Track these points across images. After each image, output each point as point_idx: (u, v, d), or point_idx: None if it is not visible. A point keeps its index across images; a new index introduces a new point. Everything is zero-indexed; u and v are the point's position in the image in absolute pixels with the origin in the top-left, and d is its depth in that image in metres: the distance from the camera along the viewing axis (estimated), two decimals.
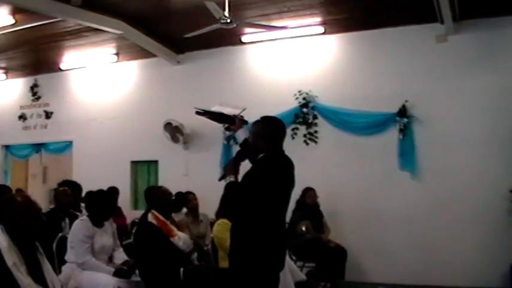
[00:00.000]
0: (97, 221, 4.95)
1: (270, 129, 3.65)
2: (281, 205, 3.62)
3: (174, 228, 5.27)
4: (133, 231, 5.64)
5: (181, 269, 4.93)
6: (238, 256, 3.51)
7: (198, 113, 3.92)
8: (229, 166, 3.70)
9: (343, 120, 8.27)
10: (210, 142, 9.17)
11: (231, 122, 3.85)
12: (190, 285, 4.93)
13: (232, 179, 3.60)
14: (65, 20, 7.99)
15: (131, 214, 8.90)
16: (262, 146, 3.58)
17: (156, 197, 5.39)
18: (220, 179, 3.74)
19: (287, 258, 4.93)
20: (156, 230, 5.03)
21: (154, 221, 5.07)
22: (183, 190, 7.62)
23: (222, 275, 5.05)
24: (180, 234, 5.26)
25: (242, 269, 3.47)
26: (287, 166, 3.60)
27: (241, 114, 3.87)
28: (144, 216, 5.40)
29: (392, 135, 7.92)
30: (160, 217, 5.11)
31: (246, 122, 3.90)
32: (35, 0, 7.16)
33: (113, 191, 8.50)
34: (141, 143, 9.80)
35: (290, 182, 3.64)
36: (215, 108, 3.91)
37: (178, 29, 7.93)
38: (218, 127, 8.98)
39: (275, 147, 3.60)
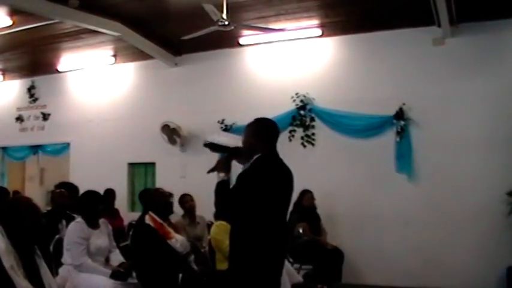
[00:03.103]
0: (91, 222, 4.94)
1: (263, 128, 3.65)
2: (278, 206, 3.58)
3: (171, 230, 5.26)
4: (131, 233, 5.62)
5: (180, 275, 4.91)
6: (237, 259, 3.51)
7: (205, 145, 3.90)
8: (221, 162, 3.65)
9: (340, 123, 8.29)
10: None
11: (237, 154, 3.77)
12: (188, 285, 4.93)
13: (222, 176, 3.56)
14: (62, 21, 7.99)
15: (128, 216, 8.88)
16: (256, 146, 3.56)
17: (153, 198, 5.38)
18: (209, 172, 3.69)
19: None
20: (153, 232, 5.02)
21: (151, 223, 5.06)
22: (180, 192, 7.60)
23: (220, 277, 5.06)
24: (177, 236, 5.25)
25: (241, 272, 3.46)
26: (282, 168, 3.61)
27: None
28: (141, 218, 5.38)
29: (389, 137, 7.94)
30: (157, 219, 5.10)
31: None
32: (32, 2, 7.16)
33: (110, 193, 8.49)
34: (138, 145, 9.80)
35: (287, 184, 3.63)
36: (218, 139, 3.88)
37: (176, 31, 7.95)
38: (215, 129, 9.02)
39: (269, 147, 3.60)
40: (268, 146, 3.59)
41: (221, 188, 3.55)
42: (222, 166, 3.60)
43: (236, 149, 3.69)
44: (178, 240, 5.16)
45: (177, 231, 5.55)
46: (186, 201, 7.22)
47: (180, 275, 4.88)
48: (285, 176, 3.60)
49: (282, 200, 3.61)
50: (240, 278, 3.47)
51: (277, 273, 3.54)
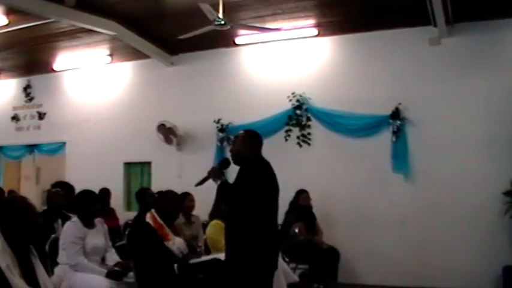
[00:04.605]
0: (87, 221, 4.93)
1: (251, 139, 4.28)
2: (271, 206, 4.03)
3: (170, 232, 5.22)
4: (127, 231, 5.59)
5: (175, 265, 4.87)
6: (233, 255, 3.67)
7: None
8: (215, 171, 4.21)
9: (336, 122, 8.29)
10: (203, 143, 9.18)
11: (227, 165, 4.41)
12: (185, 286, 4.91)
13: (219, 180, 4.11)
14: (58, 20, 7.96)
15: (124, 216, 8.87)
16: (246, 152, 4.16)
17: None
18: (197, 185, 4.26)
19: (280, 259, 4.95)
20: (151, 231, 4.99)
21: (151, 222, 5.02)
22: (177, 192, 7.52)
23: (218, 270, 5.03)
24: (175, 239, 5.21)
25: (237, 268, 3.60)
26: (271, 171, 4.13)
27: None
28: (140, 215, 5.34)
29: (386, 137, 7.94)
30: (158, 219, 5.05)
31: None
32: (28, 1, 7.13)
33: (105, 193, 8.48)
34: (134, 144, 9.78)
35: (275, 184, 4.12)
36: None
37: (172, 30, 7.94)
38: (211, 128, 9.04)
39: (257, 153, 4.20)
40: (255, 151, 4.20)
41: (224, 187, 4.08)
42: (216, 174, 4.18)
43: (226, 160, 4.38)
44: (175, 243, 5.12)
45: (176, 232, 5.51)
46: (187, 200, 7.08)
47: (175, 265, 4.83)
48: (273, 177, 4.13)
49: (273, 197, 4.09)
50: (236, 273, 3.64)
51: (270, 269, 3.73)
